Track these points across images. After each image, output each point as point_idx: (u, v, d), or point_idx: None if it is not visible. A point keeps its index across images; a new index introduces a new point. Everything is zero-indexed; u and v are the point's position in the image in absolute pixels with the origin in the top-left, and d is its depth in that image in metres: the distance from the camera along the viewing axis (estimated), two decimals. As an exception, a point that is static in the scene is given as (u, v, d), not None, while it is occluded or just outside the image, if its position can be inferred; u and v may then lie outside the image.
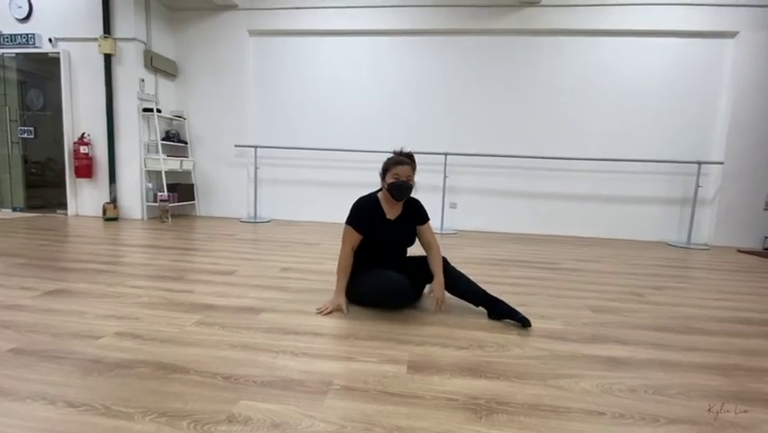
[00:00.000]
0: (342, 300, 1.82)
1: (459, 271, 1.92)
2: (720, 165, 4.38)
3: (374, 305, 1.85)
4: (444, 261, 1.91)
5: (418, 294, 2.00)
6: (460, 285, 1.88)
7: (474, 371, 1.32)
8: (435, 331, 1.64)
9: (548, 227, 4.75)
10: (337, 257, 1.86)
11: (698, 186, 4.30)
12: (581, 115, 4.60)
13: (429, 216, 1.99)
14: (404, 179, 1.80)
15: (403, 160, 1.83)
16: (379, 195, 1.92)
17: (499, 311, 1.79)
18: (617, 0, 4.32)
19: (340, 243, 1.85)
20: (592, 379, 1.29)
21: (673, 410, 1.13)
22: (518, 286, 2.40)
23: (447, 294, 1.88)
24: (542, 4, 4.39)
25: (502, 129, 4.72)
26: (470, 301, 1.87)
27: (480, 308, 1.85)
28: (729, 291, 2.51)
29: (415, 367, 1.32)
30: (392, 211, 1.91)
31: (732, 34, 4.27)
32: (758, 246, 4.43)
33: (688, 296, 2.35)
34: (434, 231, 2.22)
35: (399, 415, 1.05)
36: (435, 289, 1.83)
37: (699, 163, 4.27)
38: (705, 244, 4.44)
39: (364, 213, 1.85)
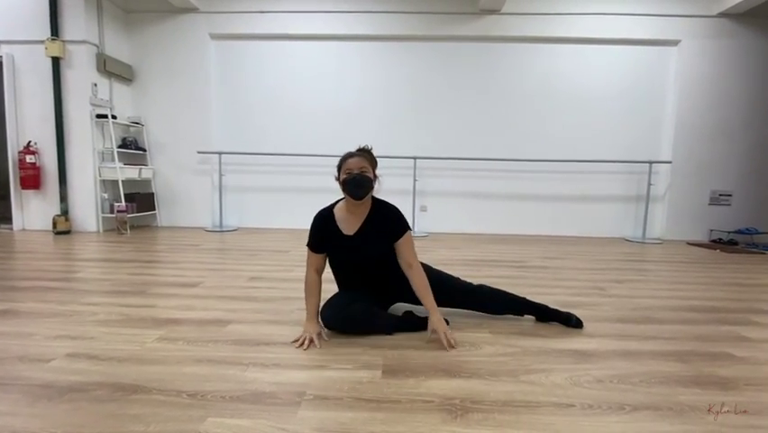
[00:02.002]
0: (316, 327, 1.55)
1: (481, 287, 1.77)
2: (669, 164, 4.68)
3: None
4: (459, 282, 1.70)
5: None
6: (498, 303, 1.76)
7: (448, 371, 1.32)
8: (409, 334, 1.63)
9: (516, 227, 4.89)
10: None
11: (650, 184, 4.57)
12: (544, 118, 4.78)
13: (408, 223, 1.65)
14: (357, 171, 1.52)
15: (353, 152, 1.59)
16: (338, 206, 1.66)
17: (549, 317, 1.77)
18: (571, 9, 4.54)
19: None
20: (562, 372, 1.33)
21: (637, 398, 1.18)
22: (490, 285, 2.43)
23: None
24: (502, 12, 4.55)
25: (470, 133, 4.82)
26: (511, 313, 1.79)
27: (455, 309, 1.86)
28: (681, 282, 2.67)
29: (390, 371, 1.31)
30: (352, 223, 1.61)
31: (674, 42, 4.59)
32: (705, 239, 4.76)
33: (645, 288, 2.48)
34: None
35: (375, 421, 1.03)
36: (434, 324, 1.50)
37: (651, 163, 4.55)
38: (658, 239, 4.72)
39: (317, 231, 1.62)
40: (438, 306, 1.56)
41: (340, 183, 1.59)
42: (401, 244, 1.60)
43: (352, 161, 1.55)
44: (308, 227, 1.66)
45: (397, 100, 4.82)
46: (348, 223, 1.62)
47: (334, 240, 1.61)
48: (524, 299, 1.81)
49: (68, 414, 1.04)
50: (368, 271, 1.65)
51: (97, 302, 1.97)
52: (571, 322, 1.74)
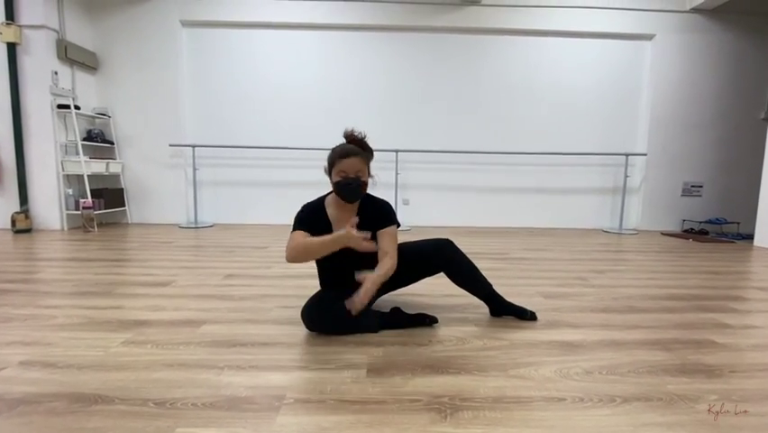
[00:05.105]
0: (350, 233, 1.31)
1: (466, 259, 1.66)
2: (644, 156, 4.79)
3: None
4: (452, 244, 1.61)
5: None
6: (463, 271, 1.64)
7: (435, 367, 1.27)
8: (395, 331, 1.57)
9: (497, 219, 4.91)
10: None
11: (626, 176, 4.66)
12: (523, 111, 4.80)
13: (398, 219, 1.60)
14: (353, 175, 1.44)
15: (350, 150, 1.45)
16: (327, 200, 1.59)
17: (505, 311, 1.70)
18: (549, 2, 4.55)
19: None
20: (550, 365, 1.30)
21: (627, 388, 1.16)
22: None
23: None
24: (482, 3, 4.51)
25: (451, 126, 4.79)
26: (472, 293, 1.69)
27: (450, 300, 1.82)
28: (660, 271, 2.72)
29: (374, 370, 1.25)
30: (343, 220, 1.50)
31: (649, 37, 4.68)
32: (678, 229, 4.90)
33: (626, 277, 2.51)
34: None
35: (361, 424, 0.97)
36: (365, 275, 1.39)
37: (627, 155, 4.63)
38: (634, 229, 4.84)
39: (305, 221, 1.51)
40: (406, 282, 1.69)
41: (331, 181, 1.51)
42: (383, 234, 1.54)
43: (348, 163, 1.44)
44: (288, 223, 1.56)
45: (377, 92, 4.73)
46: (339, 220, 1.53)
47: (325, 234, 1.44)
48: (489, 285, 1.68)
49: (18, 429, 0.93)
50: (358, 265, 1.50)
51: (57, 304, 1.82)
52: (525, 316, 1.68)
